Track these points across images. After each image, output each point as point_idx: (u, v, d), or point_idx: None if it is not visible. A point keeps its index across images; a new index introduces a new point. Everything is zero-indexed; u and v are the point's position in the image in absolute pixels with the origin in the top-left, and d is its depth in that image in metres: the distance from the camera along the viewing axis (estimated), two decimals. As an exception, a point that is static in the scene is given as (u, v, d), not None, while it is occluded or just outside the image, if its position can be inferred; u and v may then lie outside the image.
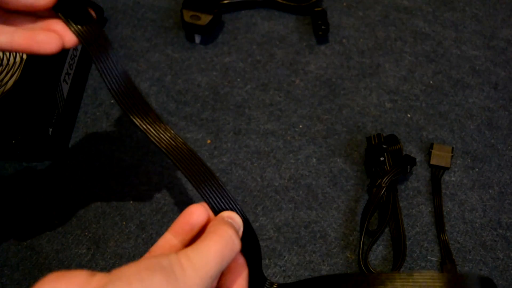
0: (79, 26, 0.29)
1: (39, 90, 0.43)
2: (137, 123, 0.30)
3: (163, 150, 0.30)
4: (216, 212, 0.29)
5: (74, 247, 0.43)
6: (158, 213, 0.45)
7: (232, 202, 0.29)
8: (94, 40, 0.29)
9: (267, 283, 0.32)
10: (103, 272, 0.22)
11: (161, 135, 0.30)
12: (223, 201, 0.29)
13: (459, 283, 0.23)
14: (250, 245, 0.29)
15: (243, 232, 0.29)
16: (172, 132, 0.30)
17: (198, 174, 0.29)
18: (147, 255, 0.27)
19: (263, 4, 0.60)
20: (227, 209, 0.29)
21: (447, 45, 0.58)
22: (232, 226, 0.26)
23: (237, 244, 0.25)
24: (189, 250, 0.24)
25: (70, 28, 0.29)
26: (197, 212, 0.27)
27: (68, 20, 0.29)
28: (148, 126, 0.30)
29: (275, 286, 0.32)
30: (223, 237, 0.25)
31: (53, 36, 0.27)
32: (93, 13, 0.30)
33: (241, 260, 0.28)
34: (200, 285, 0.22)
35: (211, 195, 0.29)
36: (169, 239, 0.27)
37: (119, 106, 0.30)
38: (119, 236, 0.44)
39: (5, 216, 0.45)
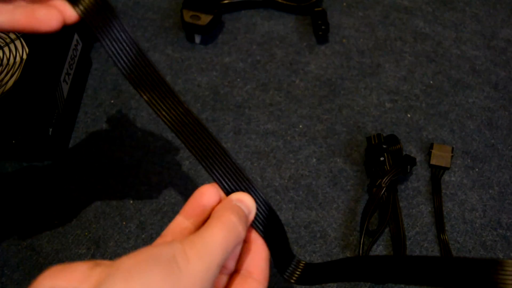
0: (81, 1, 0.27)
1: (39, 90, 0.43)
2: (146, 99, 0.28)
3: (172, 128, 0.28)
4: (228, 193, 0.28)
5: (74, 247, 0.43)
6: (158, 213, 0.45)
7: (244, 182, 0.28)
8: (96, 12, 0.27)
9: (294, 261, 0.31)
10: (105, 260, 0.21)
11: (172, 111, 0.28)
12: (234, 181, 0.28)
13: None
14: (271, 224, 0.28)
15: (262, 212, 0.28)
16: (185, 106, 0.28)
17: (208, 153, 0.28)
18: (158, 239, 0.26)
19: (263, 4, 0.60)
20: (238, 190, 0.28)
21: (447, 45, 0.58)
22: (237, 211, 0.26)
23: (241, 231, 0.25)
24: (194, 237, 0.23)
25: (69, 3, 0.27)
26: (208, 193, 0.27)
27: None
28: (158, 102, 0.28)
29: (302, 264, 0.31)
30: (226, 225, 0.24)
31: (54, 12, 0.26)
32: None
33: (260, 241, 0.28)
34: (205, 273, 0.22)
35: (221, 175, 0.28)
36: (181, 221, 0.27)
37: (128, 81, 0.28)
38: (119, 236, 0.44)
39: (5, 216, 0.45)
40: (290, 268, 0.31)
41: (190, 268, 0.21)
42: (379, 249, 0.44)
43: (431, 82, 0.55)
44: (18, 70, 0.43)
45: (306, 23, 0.59)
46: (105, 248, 0.43)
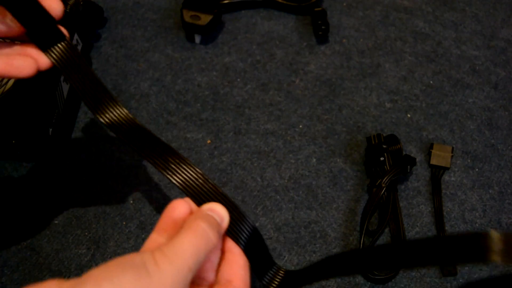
0: (52, 49, 0.31)
1: (39, 90, 0.43)
2: (104, 122, 0.31)
3: (134, 147, 0.30)
4: (199, 204, 0.28)
5: (74, 247, 0.43)
6: (158, 213, 0.45)
7: (216, 194, 0.28)
8: (67, 60, 0.31)
9: (274, 268, 0.31)
10: (75, 278, 0.22)
11: (140, 138, 0.31)
12: (205, 193, 0.28)
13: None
14: (245, 232, 0.29)
15: (237, 221, 0.28)
16: (147, 129, 0.31)
17: (171, 166, 0.29)
18: None
19: (263, 4, 0.60)
20: (210, 201, 0.28)
21: (447, 45, 0.58)
22: (207, 218, 0.26)
23: (212, 237, 0.25)
24: (163, 246, 0.23)
25: (44, 54, 0.31)
26: (179, 207, 0.27)
27: (41, 45, 0.31)
28: (120, 126, 0.31)
29: (281, 272, 0.31)
30: (196, 231, 0.25)
31: (29, 60, 0.29)
32: (64, 32, 0.32)
33: (237, 250, 0.28)
34: (177, 276, 0.22)
35: (191, 187, 0.28)
36: (155, 238, 0.27)
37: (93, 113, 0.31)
38: (119, 236, 0.44)
39: (5, 216, 0.45)
40: (269, 276, 0.31)
41: (160, 272, 0.22)
42: (379, 249, 0.44)
43: (431, 82, 0.55)
44: (18, 70, 0.43)
45: (306, 23, 0.59)
46: (105, 248, 0.43)
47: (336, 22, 0.59)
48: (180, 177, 0.29)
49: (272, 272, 0.31)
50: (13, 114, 0.42)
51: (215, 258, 0.27)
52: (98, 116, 0.31)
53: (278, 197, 0.46)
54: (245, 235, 0.29)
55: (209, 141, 0.50)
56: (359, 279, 0.42)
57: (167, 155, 0.29)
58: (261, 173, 0.48)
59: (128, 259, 0.22)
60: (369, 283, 0.42)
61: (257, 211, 0.46)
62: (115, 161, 0.48)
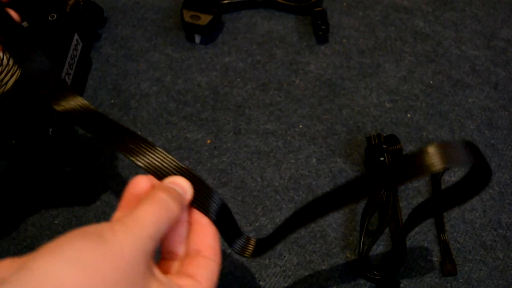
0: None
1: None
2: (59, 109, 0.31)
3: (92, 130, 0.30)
4: (161, 179, 0.28)
5: (74, 247, 0.43)
6: (158, 213, 0.45)
7: (177, 168, 0.29)
8: (18, 47, 0.32)
9: (244, 237, 0.32)
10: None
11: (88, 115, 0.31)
12: (167, 169, 0.28)
13: (444, 151, 0.24)
14: (212, 204, 0.29)
15: (203, 193, 0.28)
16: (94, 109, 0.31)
17: (131, 147, 0.29)
18: None
19: (263, 4, 0.60)
20: (172, 174, 0.28)
21: (447, 45, 0.58)
22: (168, 189, 0.26)
23: (173, 207, 0.25)
24: (122, 216, 0.23)
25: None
26: (141, 183, 0.27)
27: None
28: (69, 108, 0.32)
29: (252, 241, 0.32)
30: (156, 200, 0.24)
31: None
32: (14, 15, 0.32)
33: (204, 220, 0.28)
34: (135, 243, 0.22)
35: (152, 165, 0.28)
36: (118, 216, 0.26)
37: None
38: (119, 236, 0.44)
39: (5, 216, 0.45)
40: (240, 244, 0.32)
41: (117, 239, 0.21)
42: (379, 249, 0.44)
43: (431, 82, 0.55)
44: (18, 70, 0.43)
45: (306, 23, 0.59)
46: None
47: (336, 22, 0.59)
48: (142, 156, 0.29)
49: (243, 241, 0.32)
50: (13, 114, 0.42)
51: (182, 230, 0.27)
52: (53, 104, 0.31)
53: (278, 197, 0.46)
54: (212, 207, 0.29)
55: (209, 141, 0.50)
56: (359, 279, 0.42)
57: (126, 137, 0.29)
58: (261, 173, 0.48)
59: (84, 229, 0.21)
60: (369, 283, 0.42)
61: (257, 211, 0.46)
62: (115, 161, 0.48)
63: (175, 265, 0.27)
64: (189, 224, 0.28)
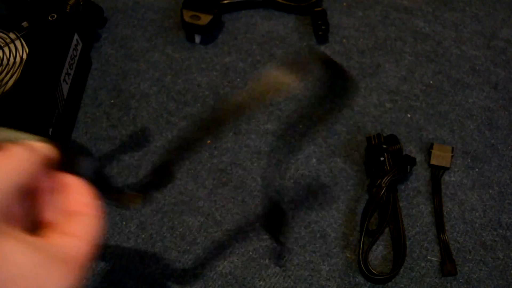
0: None
1: (39, 90, 0.43)
2: None
3: None
4: None
5: (74, 247, 0.43)
6: (158, 213, 0.45)
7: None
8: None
9: (120, 190, 0.32)
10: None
11: None
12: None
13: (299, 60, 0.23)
14: (84, 166, 0.29)
15: (73, 158, 0.28)
16: None
17: None
18: None
19: (263, 4, 0.60)
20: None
21: (447, 45, 0.58)
22: (23, 146, 0.25)
23: (22, 160, 0.24)
24: None
25: None
26: None
27: None
28: None
29: (131, 194, 0.33)
30: (3, 155, 0.24)
31: None
32: None
33: (74, 181, 0.27)
34: None
35: None
36: None
37: None
38: (119, 236, 0.44)
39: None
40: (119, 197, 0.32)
41: None
42: (379, 249, 0.44)
43: (431, 82, 0.55)
44: (18, 70, 0.43)
45: (306, 23, 0.59)
46: (105, 248, 0.43)
47: (336, 22, 0.59)
48: None
49: (121, 194, 0.32)
50: (13, 114, 0.42)
51: (54, 196, 0.27)
52: None
53: (278, 197, 0.46)
54: (83, 168, 0.29)
55: (209, 141, 0.50)
56: (359, 279, 0.42)
57: None
58: (261, 173, 0.48)
59: None
60: (369, 283, 0.42)
61: (257, 211, 0.46)
62: (115, 161, 0.48)
63: (54, 230, 0.26)
64: (62, 188, 0.27)
